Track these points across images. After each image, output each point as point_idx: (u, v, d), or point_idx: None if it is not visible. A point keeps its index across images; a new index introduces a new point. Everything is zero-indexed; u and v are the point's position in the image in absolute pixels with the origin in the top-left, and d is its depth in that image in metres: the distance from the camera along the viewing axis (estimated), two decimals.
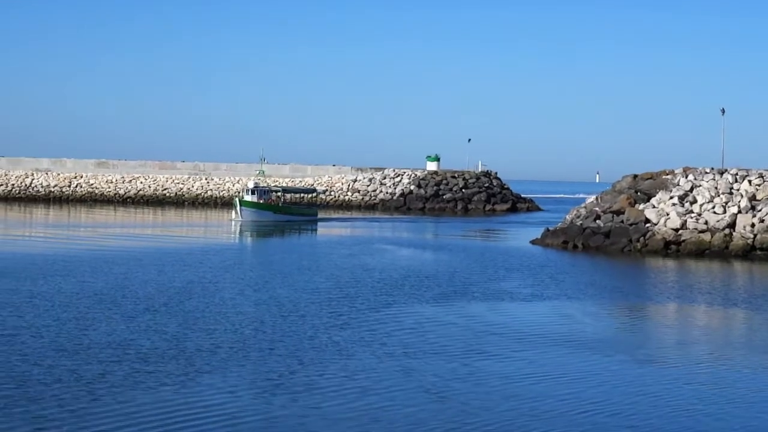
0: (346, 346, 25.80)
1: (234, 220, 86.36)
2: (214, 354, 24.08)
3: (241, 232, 76.22)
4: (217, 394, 20.08)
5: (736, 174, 63.06)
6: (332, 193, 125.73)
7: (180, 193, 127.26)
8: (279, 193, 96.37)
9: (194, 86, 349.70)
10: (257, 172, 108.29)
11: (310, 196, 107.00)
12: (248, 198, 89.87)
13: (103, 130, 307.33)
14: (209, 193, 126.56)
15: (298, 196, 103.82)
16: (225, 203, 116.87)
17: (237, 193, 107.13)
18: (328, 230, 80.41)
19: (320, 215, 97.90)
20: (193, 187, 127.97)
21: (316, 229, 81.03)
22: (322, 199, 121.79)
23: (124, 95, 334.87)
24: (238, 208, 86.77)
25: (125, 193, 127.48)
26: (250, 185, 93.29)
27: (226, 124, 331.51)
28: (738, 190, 61.71)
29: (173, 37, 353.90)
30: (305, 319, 29.98)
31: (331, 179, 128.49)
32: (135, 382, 20.83)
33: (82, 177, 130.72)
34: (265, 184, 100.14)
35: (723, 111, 79.92)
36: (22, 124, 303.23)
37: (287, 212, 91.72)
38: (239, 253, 58.90)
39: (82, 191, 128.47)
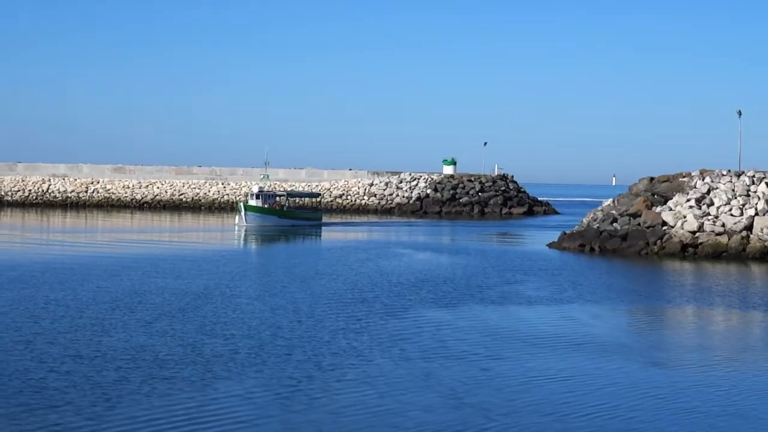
0: (364, 350, 25.73)
1: (238, 224, 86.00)
2: (232, 359, 24.05)
3: (245, 237, 75.76)
4: (234, 400, 20.04)
5: (753, 176, 62.77)
6: (348, 197, 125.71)
7: (197, 198, 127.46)
8: (284, 197, 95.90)
9: (211, 91, 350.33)
10: (262, 176, 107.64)
11: (314, 200, 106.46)
12: (253, 202, 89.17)
13: (119, 136, 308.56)
14: (225, 197, 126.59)
15: (306, 200, 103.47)
16: None
17: (243, 198, 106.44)
18: (344, 234, 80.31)
19: (330, 219, 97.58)
20: (209, 192, 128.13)
21: (320, 234, 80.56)
22: (338, 203, 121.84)
23: (141, 100, 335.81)
24: (242, 212, 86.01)
25: (142, 198, 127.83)
26: (255, 189, 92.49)
27: (242, 129, 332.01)
28: (755, 192, 61.41)
29: (191, 42, 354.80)
30: (323, 324, 29.93)
31: (348, 183, 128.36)
32: (152, 388, 20.81)
33: (98, 182, 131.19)
34: (270, 188, 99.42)
35: (740, 113, 79.72)
36: (38, 130, 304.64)
37: (292, 216, 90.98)
38: (254, 258, 58.94)
39: (98, 197, 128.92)
